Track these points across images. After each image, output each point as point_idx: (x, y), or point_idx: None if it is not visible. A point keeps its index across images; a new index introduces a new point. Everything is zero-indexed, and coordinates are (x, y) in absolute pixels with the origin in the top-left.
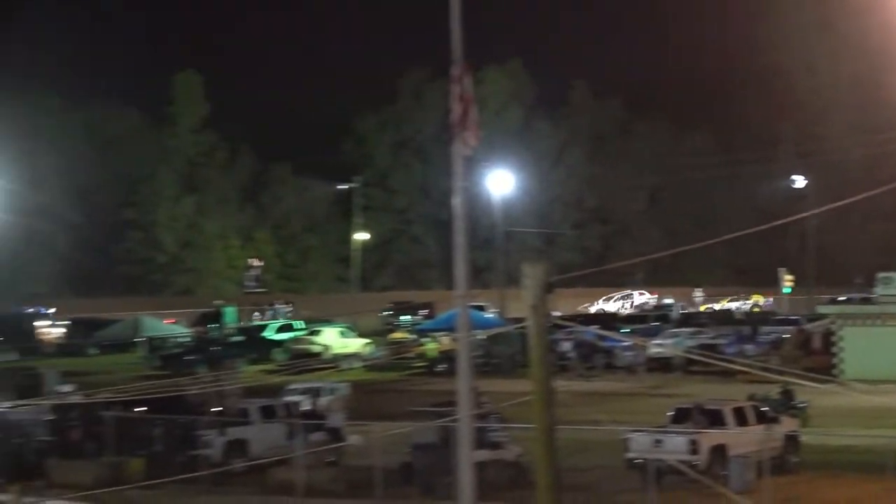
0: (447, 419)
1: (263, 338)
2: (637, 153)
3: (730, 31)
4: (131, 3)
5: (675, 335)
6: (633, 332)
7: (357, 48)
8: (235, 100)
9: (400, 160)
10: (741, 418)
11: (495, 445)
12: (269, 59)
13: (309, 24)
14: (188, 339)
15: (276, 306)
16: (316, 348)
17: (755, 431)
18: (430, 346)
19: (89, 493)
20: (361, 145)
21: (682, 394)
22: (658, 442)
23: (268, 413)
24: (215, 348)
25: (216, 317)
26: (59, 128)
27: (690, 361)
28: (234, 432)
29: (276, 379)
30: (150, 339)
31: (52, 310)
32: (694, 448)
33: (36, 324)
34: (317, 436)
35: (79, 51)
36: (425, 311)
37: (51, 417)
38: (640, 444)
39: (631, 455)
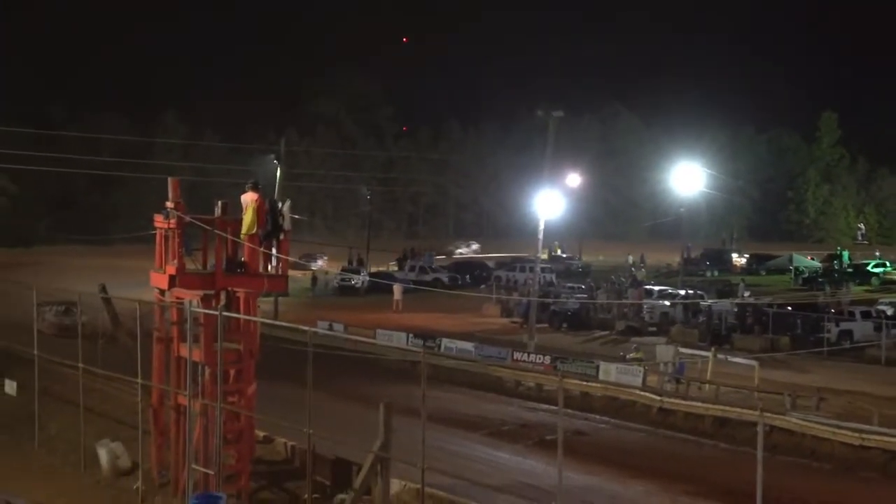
0: None
1: (866, 270)
2: None
3: None
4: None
5: None
6: None
7: None
8: (853, 124)
9: None
10: None
11: None
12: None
13: None
14: (820, 269)
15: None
16: (893, 276)
17: None
18: None
19: (758, 355)
20: None
21: None
22: None
23: (865, 315)
24: (835, 275)
25: (838, 257)
26: (750, 144)
27: None
28: (844, 325)
29: (873, 296)
30: (796, 268)
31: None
32: None
33: (733, 255)
34: (894, 331)
35: (754, 96)
36: None
37: (736, 309)
38: None
39: None
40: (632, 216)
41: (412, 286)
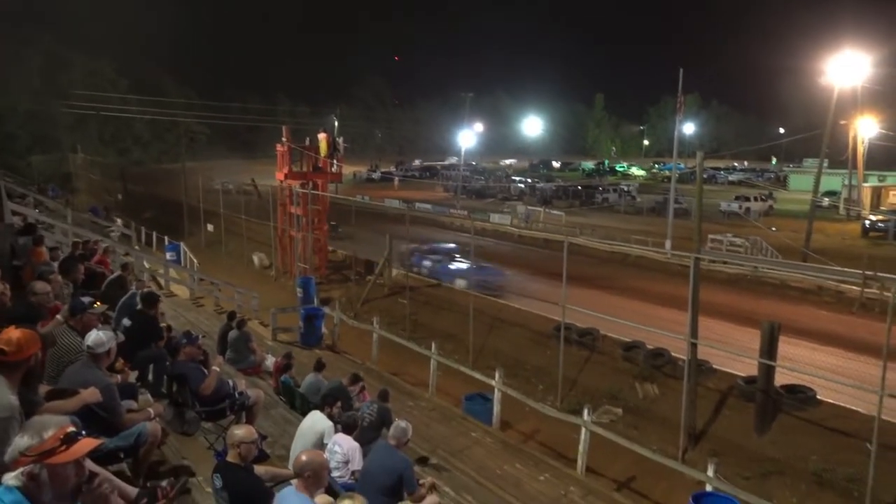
0: None
1: (615, 169)
2: None
3: None
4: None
5: None
6: None
7: None
8: (612, 97)
9: None
10: None
11: None
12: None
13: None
14: (594, 168)
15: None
16: (627, 172)
17: None
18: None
19: (564, 209)
20: None
21: None
22: None
23: (614, 190)
24: (601, 171)
25: (602, 163)
26: (563, 110)
27: None
28: (605, 195)
29: (618, 181)
30: (583, 168)
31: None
32: None
33: (553, 162)
34: (627, 197)
35: (563, 83)
36: None
37: (555, 187)
38: None
39: None
40: (506, 143)
41: (402, 177)
